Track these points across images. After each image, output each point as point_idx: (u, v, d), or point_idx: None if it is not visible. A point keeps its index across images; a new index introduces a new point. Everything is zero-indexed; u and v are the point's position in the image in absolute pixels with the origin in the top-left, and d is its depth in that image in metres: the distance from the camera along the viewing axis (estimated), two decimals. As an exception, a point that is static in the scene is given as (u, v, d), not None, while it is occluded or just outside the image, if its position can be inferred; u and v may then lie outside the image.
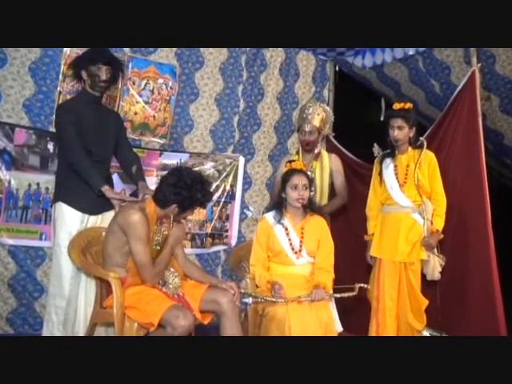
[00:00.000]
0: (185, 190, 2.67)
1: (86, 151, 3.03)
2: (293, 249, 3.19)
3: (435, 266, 3.38)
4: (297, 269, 3.21)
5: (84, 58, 3.10)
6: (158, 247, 2.82)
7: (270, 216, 3.29)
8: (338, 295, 3.07)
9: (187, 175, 2.72)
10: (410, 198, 3.42)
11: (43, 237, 3.56)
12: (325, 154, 4.08)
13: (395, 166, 3.50)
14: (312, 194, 3.46)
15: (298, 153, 4.10)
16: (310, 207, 3.29)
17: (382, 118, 3.79)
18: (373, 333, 3.47)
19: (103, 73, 3.07)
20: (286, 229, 3.22)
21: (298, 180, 3.18)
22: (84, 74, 3.09)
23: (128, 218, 2.68)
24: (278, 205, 3.30)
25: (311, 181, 3.29)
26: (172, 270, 2.86)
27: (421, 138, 3.51)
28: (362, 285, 3.10)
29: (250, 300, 2.98)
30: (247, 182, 4.61)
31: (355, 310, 3.63)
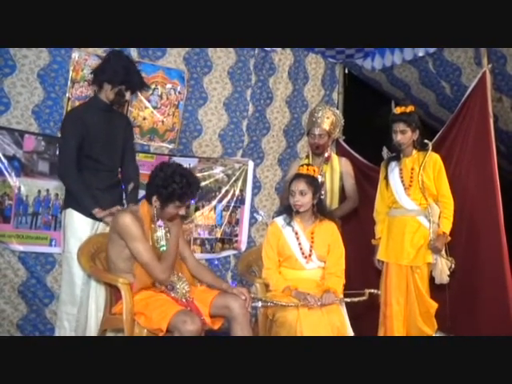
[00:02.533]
0: (162, 179, 2.70)
1: (94, 160, 3.05)
2: (303, 253, 3.16)
3: (443, 269, 3.33)
4: (307, 273, 3.18)
5: (125, 79, 3.07)
6: (164, 248, 2.81)
7: (280, 220, 3.27)
8: (348, 299, 3.04)
9: (169, 168, 2.76)
10: (415, 201, 3.39)
11: (53, 243, 3.56)
12: (335, 157, 4.06)
13: (400, 170, 3.48)
14: (322, 197, 3.42)
15: (307, 157, 4.08)
16: (320, 211, 3.26)
17: (391, 121, 3.76)
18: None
19: (129, 94, 3.18)
20: (296, 233, 3.20)
21: (295, 186, 3.17)
22: (107, 87, 3.08)
23: (119, 220, 2.70)
24: (288, 209, 3.28)
25: (317, 185, 3.24)
26: (180, 275, 2.85)
27: (426, 141, 3.47)
28: (372, 290, 3.04)
29: (259, 304, 2.96)
30: (256, 187, 4.59)
31: (366, 315, 3.59)
